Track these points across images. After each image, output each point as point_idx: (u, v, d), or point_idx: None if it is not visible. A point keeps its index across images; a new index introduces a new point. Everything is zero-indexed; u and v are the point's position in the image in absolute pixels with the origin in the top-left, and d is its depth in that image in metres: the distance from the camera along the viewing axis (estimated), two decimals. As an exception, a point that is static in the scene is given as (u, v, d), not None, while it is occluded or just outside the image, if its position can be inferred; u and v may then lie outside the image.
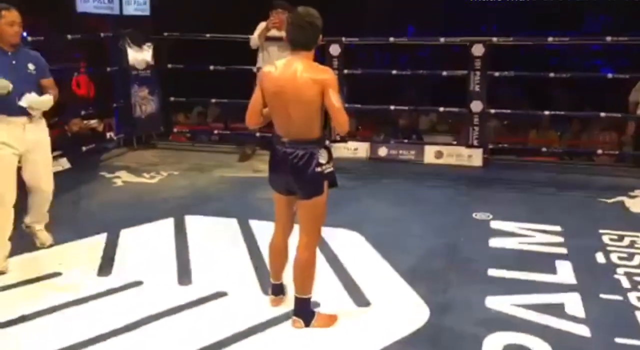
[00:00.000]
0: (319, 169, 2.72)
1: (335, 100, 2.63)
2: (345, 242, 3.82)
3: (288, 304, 2.97)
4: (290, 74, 2.65)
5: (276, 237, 2.98)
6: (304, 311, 2.84)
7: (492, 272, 3.38)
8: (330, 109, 2.65)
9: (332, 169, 2.78)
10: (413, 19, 11.24)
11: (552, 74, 5.06)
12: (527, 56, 9.26)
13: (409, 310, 3.00)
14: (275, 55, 5.26)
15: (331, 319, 2.89)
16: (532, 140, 7.19)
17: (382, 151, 5.81)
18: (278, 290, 3.05)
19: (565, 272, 3.37)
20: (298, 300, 2.84)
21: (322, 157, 2.74)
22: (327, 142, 2.83)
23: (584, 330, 2.79)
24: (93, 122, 6.02)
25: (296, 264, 2.83)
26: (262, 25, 5.30)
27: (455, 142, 5.68)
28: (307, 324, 2.82)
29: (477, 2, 10.49)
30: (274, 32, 5.24)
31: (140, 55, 5.86)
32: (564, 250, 3.66)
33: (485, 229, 4.03)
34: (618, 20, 10.87)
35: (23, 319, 2.90)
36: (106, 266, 3.48)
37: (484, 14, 10.86)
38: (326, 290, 3.15)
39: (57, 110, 3.99)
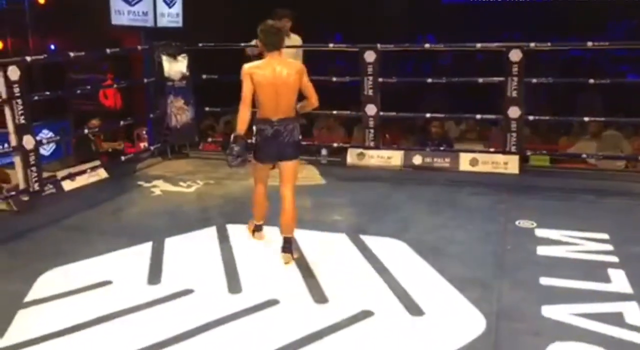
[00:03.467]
0: (300, 136, 3.67)
1: (308, 82, 3.59)
2: (391, 250, 3.80)
3: (337, 315, 2.96)
4: (278, 69, 3.50)
5: (261, 191, 3.84)
6: (291, 247, 3.64)
7: (544, 280, 3.35)
8: (306, 89, 3.58)
9: (300, 137, 3.69)
10: (433, 28, 11.24)
11: (591, 80, 5.02)
12: (550, 62, 9.20)
13: (465, 319, 2.97)
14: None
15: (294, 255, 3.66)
16: (563, 146, 7.13)
17: (417, 159, 5.79)
18: (261, 228, 3.95)
19: (619, 280, 3.32)
20: (288, 240, 3.64)
21: (298, 127, 3.63)
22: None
23: (646, 340, 2.74)
24: (115, 144, 6.07)
25: (287, 212, 3.63)
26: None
27: (492, 150, 5.64)
28: (294, 256, 3.64)
29: (496, 9, 10.46)
30: None
31: (175, 66, 5.91)
32: (615, 259, 3.61)
33: (530, 237, 3.99)
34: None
35: (76, 328, 2.91)
36: (155, 275, 3.50)
37: (505, 21, 10.82)
38: (379, 300, 3.15)
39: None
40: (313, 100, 3.61)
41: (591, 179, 5.44)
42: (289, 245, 3.63)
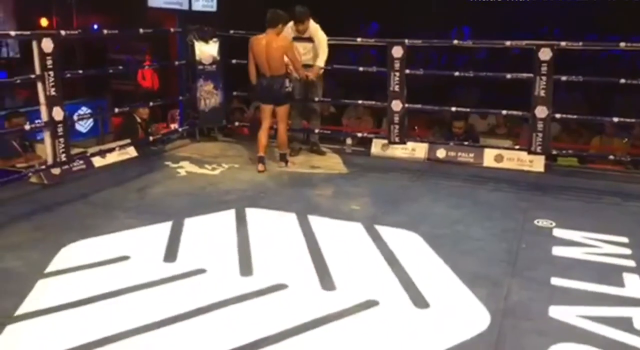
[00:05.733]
0: (287, 89, 5.25)
1: (292, 54, 5.24)
2: (404, 242, 3.82)
3: (343, 302, 3.01)
4: (269, 41, 5.14)
5: (265, 126, 5.35)
6: (285, 158, 5.45)
7: (556, 281, 3.32)
8: (289, 57, 5.21)
9: (290, 89, 5.32)
10: (470, 20, 11.04)
11: (622, 80, 4.88)
12: (586, 60, 8.94)
13: (469, 315, 2.98)
14: (300, 48, 5.65)
15: (293, 162, 5.55)
16: (596, 147, 6.96)
17: (441, 153, 5.76)
18: (264, 160, 5.30)
19: (633, 285, 3.27)
20: (283, 154, 5.47)
21: (287, 82, 5.24)
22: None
23: (652, 347, 2.70)
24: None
25: (279, 136, 5.43)
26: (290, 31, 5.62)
27: (517, 147, 5.56)
28: (287, 163, 5.45)
29: (536, 3, 10.18)
30: (299, 34, 5.66)
31: (207, 50, 6.00)
32: (631, 263, 3.54)
33: (547, 237, 3.95)
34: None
35: (90, 299, 3.03)
36: (171, 253, 3.60)
37: (545, 16, 10.53)
38: (385, 290, 3.18)
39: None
40: (294, 64, 5.31)
41: (620, 181, 5.31)
42: (283, 157, 5.45)
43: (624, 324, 2.88)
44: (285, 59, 5.22)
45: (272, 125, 5.41)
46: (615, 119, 5.22)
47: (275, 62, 5.13)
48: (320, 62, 5.60)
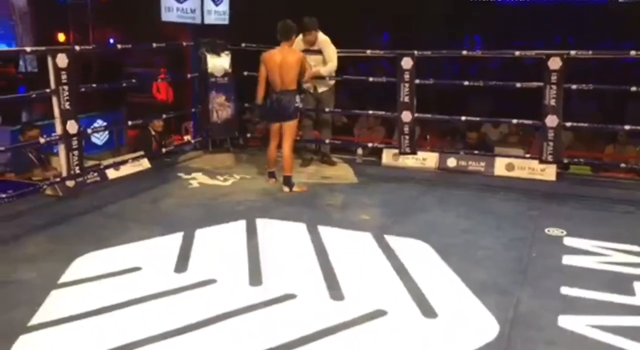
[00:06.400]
0: (297, 104, 5.11)
1: (306, 65, 5.24)
2: (413, 252, 3.83)
3: (352, 312, 3.03)
4: (284, 54, 5.06)
5: (273, 145, 5.25)
6: (290, 183, 5.09)
7: (566, 290, 3.30)
8: (303, 68, 5.14)
9: (300, 104, 5.25)
10: (481, 29, 11.03)
11: (633, 88, 4.86)
12: (600, 67, 8.89)
13: (478, 325, 2.97)
14: (311, 61, 5.69)
15: (302, 187, 5.15)
16: (609, 155, 6.91)
17: (452, 162, 5.76)
18: (273, 175, 5.30)
19: (644, 294, 3.25)
20: (287, 177, 5.11)
21: (298, 98, 5.13)
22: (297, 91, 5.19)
23: (663, 356, 2.68)
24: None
25: (285, 159, 5.11)
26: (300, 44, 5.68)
27: (528, 155, 5.54)
28: (291, 189, 5.08)
29: (550, 11, 10.15)
30: (308, 46, 5.74)
31: (218, 63, 6.07)
32: (643, 272, 3.52)
33: (558, 246, 3.94)
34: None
35: (102, 310, 3.07)
36: (182, 264, 3.64)
37: (559, 24, 10.50)
38: (394, 300, 3.19)
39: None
40: (305, 73, 5.26)
41: (633, 189, 5.28)
42: (287, 181, 5.11)
43: (635, 333, 2.86)
44: None
45: (280, 142, 5.27)
46: (627, 127, 5.19)
47: (289, 76, 5.00)
48: (324, 70, 5.65)
